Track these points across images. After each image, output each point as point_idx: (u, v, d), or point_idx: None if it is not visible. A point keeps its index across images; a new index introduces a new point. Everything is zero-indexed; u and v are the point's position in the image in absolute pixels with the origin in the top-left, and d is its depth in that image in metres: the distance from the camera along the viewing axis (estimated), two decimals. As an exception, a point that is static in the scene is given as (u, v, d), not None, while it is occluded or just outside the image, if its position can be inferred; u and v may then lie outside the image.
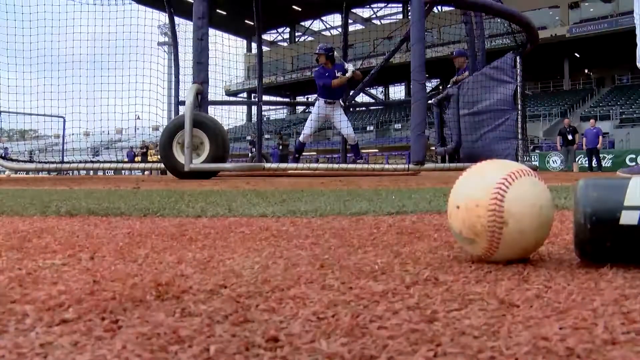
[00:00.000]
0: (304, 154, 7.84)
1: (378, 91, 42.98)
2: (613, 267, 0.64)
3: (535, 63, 29.12)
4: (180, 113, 5.89)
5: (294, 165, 6.19)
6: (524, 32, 6.53)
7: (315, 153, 28.90)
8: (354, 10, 36.41)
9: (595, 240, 0.63)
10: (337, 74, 6.65)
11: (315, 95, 6.91)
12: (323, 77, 6.71)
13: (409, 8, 5.37)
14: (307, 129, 6.84)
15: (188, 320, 0.44)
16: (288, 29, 42.77)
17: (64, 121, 10.16)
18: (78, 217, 1.36)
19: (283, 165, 6.02)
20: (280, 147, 17.05)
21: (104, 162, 6.43)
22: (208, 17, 5.20)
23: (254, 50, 11.93)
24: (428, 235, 0.98)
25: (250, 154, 16.99)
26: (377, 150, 28.29)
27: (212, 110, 6.56)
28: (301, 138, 6.83)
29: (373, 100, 40.30)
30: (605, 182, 0.65)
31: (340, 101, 8.70)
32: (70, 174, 9.90)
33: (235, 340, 0.39)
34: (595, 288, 0.55)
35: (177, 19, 8.04)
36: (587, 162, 15.51)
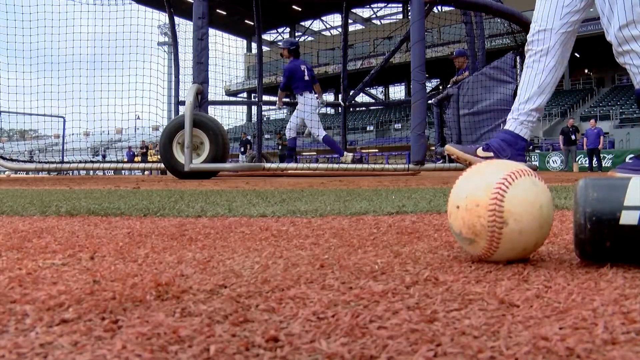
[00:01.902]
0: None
1: (378, 91, 42.99)
2: (613, 267, 0.64)
3: (535, 63, 29.05)
4: (180, 113, 5.90)
5: (294, 165, 6.20)
6: (524, 32, 6.54)
7: (315, 153, 28.90)
8: (354, 10, 36.46)
9: (595, 240, 0.63)
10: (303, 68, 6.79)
11: (316, 95, 6.91)
12: (303, 65, 6.79)
13: (409, 8, 5.37)
14: (316, 123, 6.79)
15: (188, 320, 0.44)
16: (288, 29, 42.78)
17: (64, 121, 10.17)
18: (78, 217, 1.36)
19: (283, 165, 6.01)
20: (280, 147, 17.04)
21: (104, 162, 6.43)
22: (208, 17, 5.20)
23: (254, 50, 11.93)
24: (428, 235, 0.98)
25: (240, 155, 16.86)
26: (377, 150, 28.31)
27: (212, 110, 6.57)
28: (321, 135, 6.76)
29: (373, 100, 40.30)
30: (605, 182, 0.65)
31: (341, 101, 8.72)
32: (70, 174, 9.91)
33: (235, 340, 0.39)
34: (595, 288, 0.55)
35: (177, 19, 8.04)
36: (587, 162, 15.53)
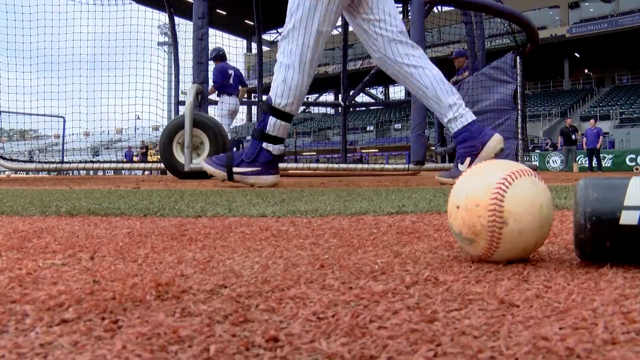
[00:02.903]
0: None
1: (378, 91, 43.00)
2: (613, 267, 0.64)
3: (535, 63, 29.15)
4: (180, 113, 5.90)
5: (294, 165, 6.22)
6: (524, 32, 6.53)
7: (315, 153, 28.88)
8: (354, 10, 36.37)
9: (595, 240, 0.63)
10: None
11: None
12: (231, 70, 7.53)
13: (409, 8, 5.36)
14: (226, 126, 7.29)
15: (188, 320, 0.44)
16: (288, 29, 42.69)
17: (64, 121, 10.17)
18: (78, 217, 1.36)
19: (283, 165, 6.01)
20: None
21: (104, 162, 6.42)
22: (208, 17, 5.20)
23: (254, 50, 11.93)
24: (428, 235, 0.98)
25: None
26: (377, 150, 28.30)
27: (212, 110, 6.59)
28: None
29: (373, 100, 40.28)
30: (605, 182, 0.65)
31: (340, 102, 8.88)
32: (70, 174, 9.91)
33: (235, 340, 0.39)
34: (595, 288, 0.55)
35: (177, 19, 8.04)
36: (587, 162, 15.54)
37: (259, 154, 2.94)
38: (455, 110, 2.95)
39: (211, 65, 7.37)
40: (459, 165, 3.03)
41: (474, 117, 2.99)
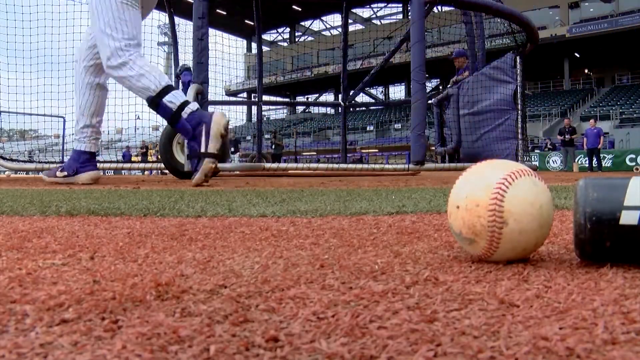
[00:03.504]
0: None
1: (378, 91, 43.02)
2: (613, 267, 0.64)
3: (535, 63, 29.16)
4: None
5: (294, 165, 6.21)
6: (524, 32, 6.53)
7: (315, 153, 28.90)
8: (354, 10, 36.51)
9: (595, 240, 0.63)
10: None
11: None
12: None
13: (409, 8, 5.36)
14: None
15: (188, 320, 0.44)
16: (288, 29, 42.83)
17: (64, 121, 10.18)
18: (78, 217, 1.36)
19: (283, 165, 6.02)
20: (274, 146, 17.00)
21: (104, 162, 6.42)
22: (208, 17, 5.20)
23: (254, 50, 11.95)
24: (428, 235, 0.98)
25: (231, 155, 16.97)
26: (377, 150, 28.31)
27: (212, 110, 6.60)
28: None
29: (373, 100, 40.32)
30: (605, 182, 0.65)
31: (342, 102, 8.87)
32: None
33: (235, 340, 0.39)
34: (595, 288, 0.55)
35: (177, 19, 8.04)
36: (587, 162, 15.56)
37: (191, 121, 3.16)
38: (83, 136, 3.66)
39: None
40: (58, 171, 3.69)
41: (91, 150, 3.69)
